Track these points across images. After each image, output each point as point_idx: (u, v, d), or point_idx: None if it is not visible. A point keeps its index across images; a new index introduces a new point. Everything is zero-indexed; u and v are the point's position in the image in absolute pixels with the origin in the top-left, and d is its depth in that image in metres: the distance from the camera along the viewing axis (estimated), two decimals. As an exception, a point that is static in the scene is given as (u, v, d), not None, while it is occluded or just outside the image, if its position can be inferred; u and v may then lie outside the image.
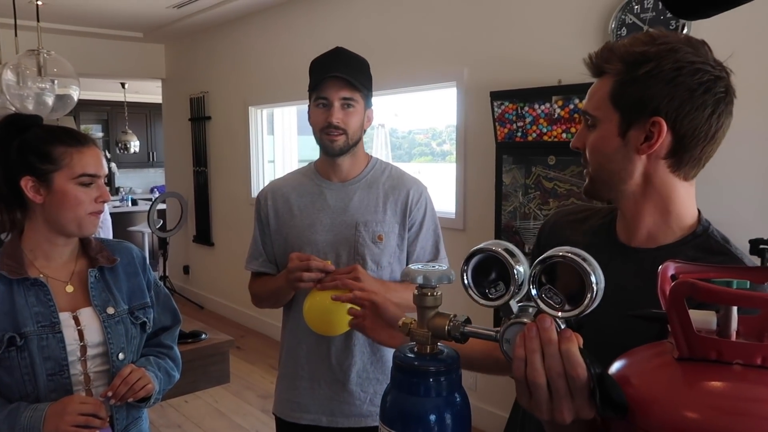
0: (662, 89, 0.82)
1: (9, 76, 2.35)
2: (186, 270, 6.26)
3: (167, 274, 6.21)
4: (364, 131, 1.63)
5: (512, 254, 0.61)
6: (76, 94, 2.46)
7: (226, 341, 2.55)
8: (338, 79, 1.52)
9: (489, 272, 0.63)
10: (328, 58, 1.58)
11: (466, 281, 0.63)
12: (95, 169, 1.34)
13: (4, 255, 1.31)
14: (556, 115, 2.67)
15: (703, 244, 0.89)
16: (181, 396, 3.14)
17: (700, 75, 0.82)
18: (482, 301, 0.63)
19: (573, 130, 2.63)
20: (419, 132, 6.60)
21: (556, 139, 2.70)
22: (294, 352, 1.65)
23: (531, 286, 0.60)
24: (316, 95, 1.56)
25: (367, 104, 1.61)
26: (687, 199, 0.91)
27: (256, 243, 1.70)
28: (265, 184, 1.79)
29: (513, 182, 2.93)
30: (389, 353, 1.63)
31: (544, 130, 2.74)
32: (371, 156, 1.71)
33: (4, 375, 1.26)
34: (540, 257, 0.60)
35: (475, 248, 0.63)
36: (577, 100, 2.59)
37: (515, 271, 0.60)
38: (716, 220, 0.95)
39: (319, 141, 1.59)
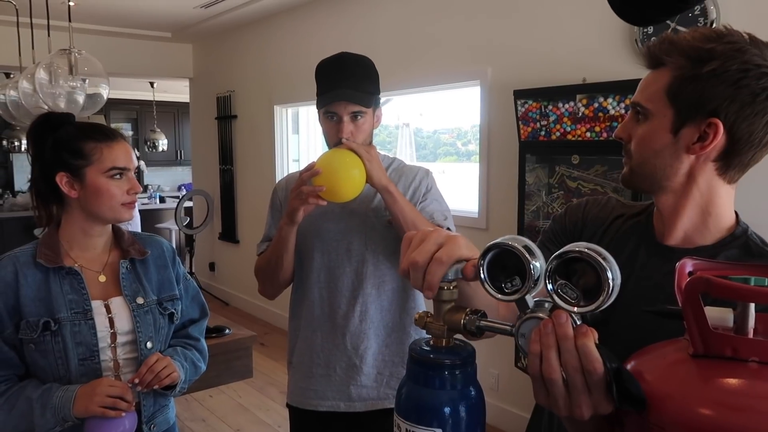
0: (724, 90, 0.80)
1: (42, 75, 2.41)
2: (212, 267, 6.34)
3: (193, 270, 6.31)
4: (373, 131, 1.65)
5: (529, 249, 0.62)
6: (105, 92, 2.52)
7: (250, 337, 2.59)
8: (345, 98, 1.53)
9: (505, 267, 0.63)
10: (333, 69, 1.58)
11: (482, 276, 0.64)
12: (125, 162, 1.40)
13: (43, 245, 1.38)
14: (580, 114, 2.65)
15: (743, 246, 0.88)
16: (206, 390, 3.19)
17: (765, 80, 0.79)
18: (498, 296, 0.63)
19: (597, 128, 2.60)
20: (444, 132, 6.58)
21: (580, 138, 2.68)
22: (309, 340, 1.67)
23: (547, 282, 0.60)
24: (325, 109, 1.58)
25: (376, 106, 1.63)
26: (727, 202, 0.89)
27: (269, 229, 1.73)
28: None
29: (536, 181, 2.91)
30: (404, 335, 1.65)
31: (568, 129, 2.72)
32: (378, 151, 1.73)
33: (39, 358, 1.33)
34: (556, 252, 0.60)
35: (491, 243, 0.63)
36: (601, 99, 2.57)
37: (531, 266, 0.61)
38: (754, 223, 0.93)
39: (332, 148, 1.61)
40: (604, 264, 0.57)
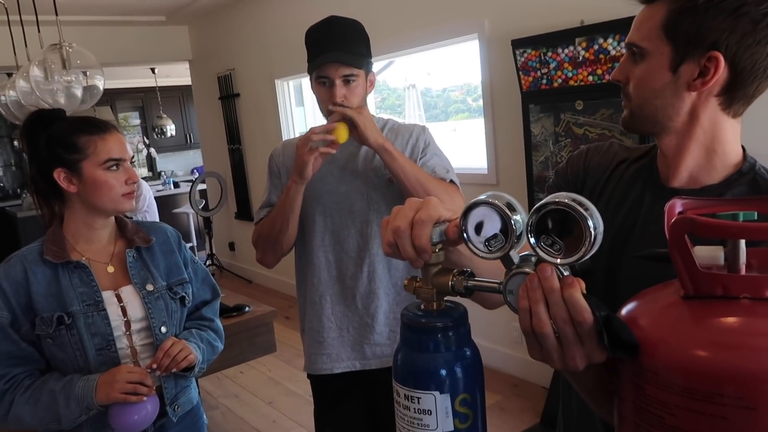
0: (723, 21, 0.76)
1: (36, 72, 2.41)
2: (231, 246, 6.41)
3: (214, 251, 6.38)
4: (367, 95, 1.63)
5: (509, 205, 0.60)
6: (101, 83, 2.51)
7: (269, 312, 2.62)
8: (337, 59, 1.51)
9: (489, 224, 0.62)
10: (323, 33, 1.56)
11: (465, 235, 0.63)
12: (119, 153, 1.40)
13: (48, 241, 1.39)
14: (580, 58, 2.58)
15: (750, 182, 0.85)
16: (236, 366, 3.26)
17: (766, 5, 0.75)
18: (482, 254, 0.62)
19: (599, 71, 2.54)
20: (454, 89, 6.46)
21: (582, 83, 2.62)
22: (318, 305, 1.68)
23: (529, 236, 0.59)
24: (316, 74, 1.56)
25: (368, 69, 1.61)
26: (733, 137, 0.86)
27: (268, 195, 1.73)
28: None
29: (542, 132, 2.87)
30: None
31: (570, 75, 2.65)
32: (372, 114, 1.72)
33: (58, 352, 1.36)
34: (536, 205, 0.59)
35: (471, 201, 0.62)
36: (601, 40, 2.50)
37: (513, 222, 0.60)
38: (764, 154, 0.90)
39: (327, 115, 1.60)
40: (585, 213, 0.56)
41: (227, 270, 6.33)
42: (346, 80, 1.55)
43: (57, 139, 1.37)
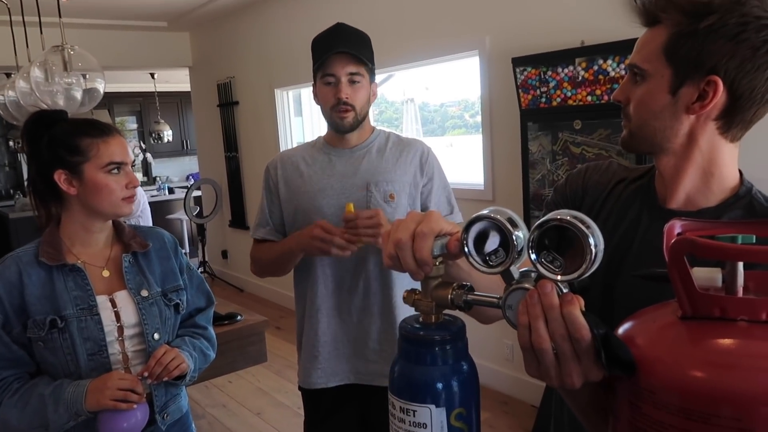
0: (723, 46, 0.77)
1: (37, 73, 2.41)
2: (224, 254, 6.39)
3: (206, 259, 6.35)
4: (370, 105, 1.65)
5: (511, 220, 0.61)
6: (101, 86, 2.51)
7: (261, 322, 2.61)
8: (343, 54, 1.53)
9: (489, 239, 0.63)
10: (330, 35, 1.59)
11: (466, 249, 0.63)
12: (121, 156, 1.40)
13: (44, 243, 1.38)
14: (580, 78, 2.61)
15: (747, 206, 0.85)
16: (225, 376, 3.24)
17: (766, 32, 0.76)
18: (483, 269, 0.62)
19: (598, 92, 2.56)
20: (451, 104, 6.50)
21: (581, 103, 2.64)
22: (314, 318, 1.68)
23: (530, 252, 0.60)
24: (322, 72, 1.58)
25: (372, 78, 1.63)
26: (731, 161, 0.87)
27: (264, 212, 1.74)
28: None
29: (540, 149, 2.88)
30: (407, 311, 1.64)
31: (569, 94, 2.68)
32: (374, 127, 1.74)
33: (49, 355, 1.34)
34: (538, 222, 0.59)
35: (473, 216, 0.62)
36: (601, 61, 2.52)
37: (514, 237, 0.60)
38: (762, 179, 0.91)
39: (329, 119, 1.61)
40: (586, 230, 0.56)
41: (219, 278, 6.30)
42: (352, 80, 1.56)
43: (59, 141, 1.37)
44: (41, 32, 2.63)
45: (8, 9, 3.06)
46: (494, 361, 3.36)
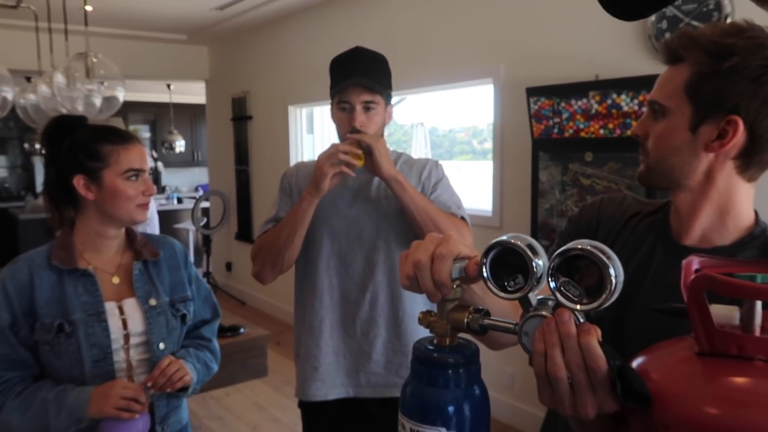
0: (745, 87, 0.78)
1: (60, 78, 2.45)
2: (228, 267, 6.39)
3: (210, 270, 6.36)
4: (384, 126, 1.67)
5: (531, 247, 0.61)
6: (121, 95, 2.55)
7: (264, 335, 2.61)
8: (359, 83, 1.55)
9: (508, 265, 0.63)
10: (348, 60, 1.62)
11: (485, 274, 0.63)
12: (140, 164, 1.42)
13: (57, 247, 1.39)
14: (593, 111, 2.63)
15: (761, 246, 0.86)
16: (223, 388, 3.22)
17: None
18: (501, 294, 0.63)
19: (611, 125, 2.58)
20: (460, 130, 6.55)
21: (593, 136, 2.65)
22: (317, 329, 1.66)
23: (549, 279, 0.60)
24: (338, 98, 1.60)
25: (387, 101, 1.65)
26: (747, 201, 0.88)
27: (276, 210, 1.71)
28: None
29: (550, 179, 2.90)
30: (416, 326, 1.64)
31: (581, 126, 2.70)
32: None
33: (54, 359, 1.34)
34: (558, 250, 0.60)
35: (494, 241, 0.63)
36: (614, 95, 2.54)
37: (534, 264, 0.60)
38: None
39: (344, 141, 1.63)
40: (607, 261, 0.57)
41: (222, 290, 6.30)
42: (367, 107, 1.58)
43: (80, 146, 1.38)
44: (66, 39, 2.68)
45: (35, 15, 3.12)
46: (494, 389, 3.34)
